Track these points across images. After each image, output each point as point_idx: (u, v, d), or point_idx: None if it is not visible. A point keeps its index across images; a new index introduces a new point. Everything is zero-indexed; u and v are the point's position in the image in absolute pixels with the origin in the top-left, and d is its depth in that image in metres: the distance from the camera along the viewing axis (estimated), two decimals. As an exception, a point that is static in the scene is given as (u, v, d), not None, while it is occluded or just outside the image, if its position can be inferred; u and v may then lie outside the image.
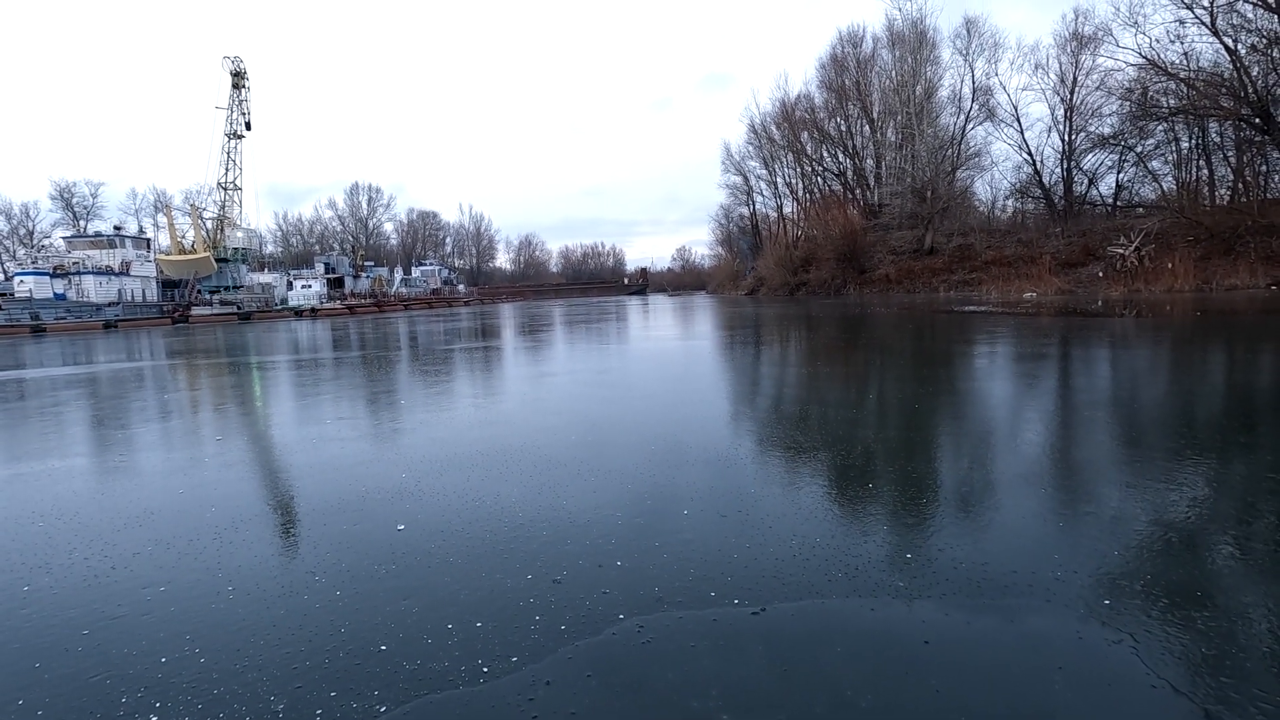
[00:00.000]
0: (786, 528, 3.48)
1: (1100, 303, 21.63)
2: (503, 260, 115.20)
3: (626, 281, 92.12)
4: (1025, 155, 42.74)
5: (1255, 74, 28.73)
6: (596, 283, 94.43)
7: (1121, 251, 27.48)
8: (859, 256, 40.69)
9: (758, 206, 64.91)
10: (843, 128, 52.69)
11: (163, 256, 61.82)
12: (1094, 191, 41.09)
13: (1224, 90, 29.26)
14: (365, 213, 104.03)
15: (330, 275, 72.82)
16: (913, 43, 43.45)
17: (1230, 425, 5.39)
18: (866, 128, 50.60)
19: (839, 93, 51.28)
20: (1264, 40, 28.17)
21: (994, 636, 2.43)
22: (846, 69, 50.53)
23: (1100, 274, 27.58)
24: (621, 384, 9.43)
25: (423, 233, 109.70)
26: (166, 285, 59.98)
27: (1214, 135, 33.83)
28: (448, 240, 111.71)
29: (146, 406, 9.26)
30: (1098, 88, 37.91)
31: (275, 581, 3.10)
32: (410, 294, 76.72)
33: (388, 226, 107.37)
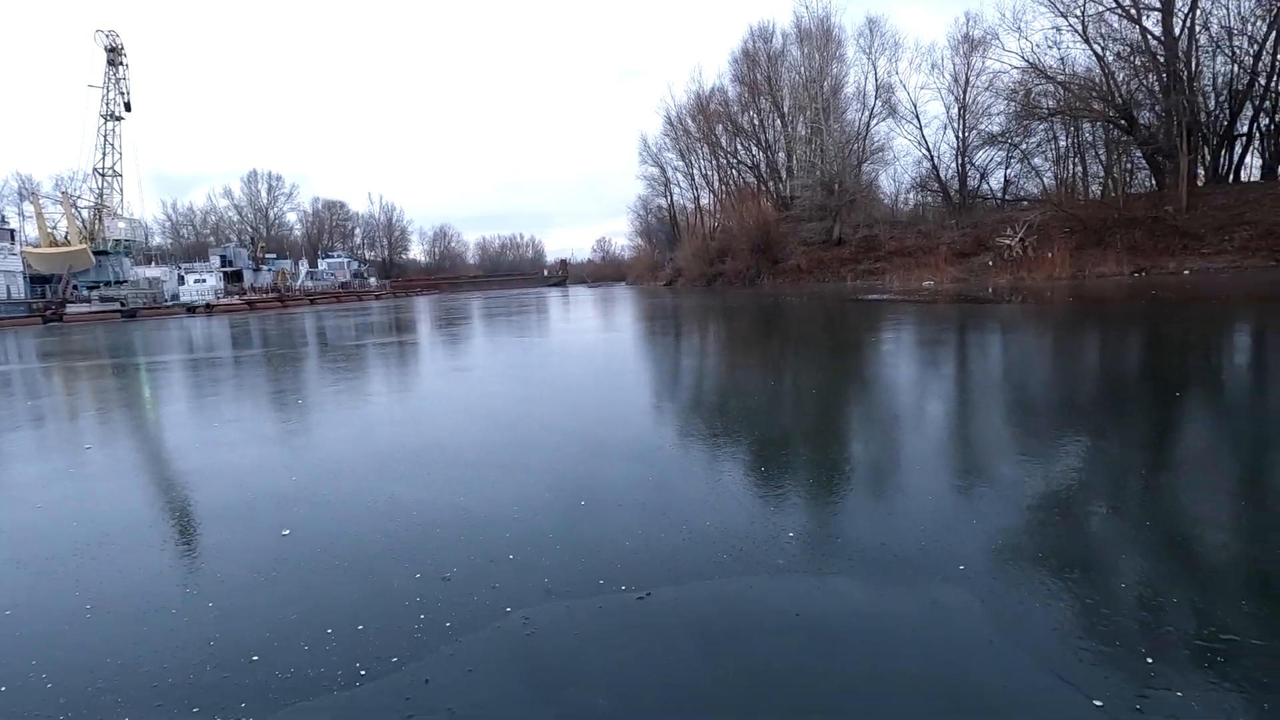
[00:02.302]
0: (681, 515, 3.58)
1: (990, 290, 23.17)
2: (417, 252, 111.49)
3: (546, 273, 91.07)
4: (924, 151, 45.19)
5: (1120, 79, 31.46)
6: (515, 275, 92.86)
7: (1008, 242, 29.54)
8: (772, 247, 41.93)
9: (675, 198, 65.69)
10: (755, 121, 53.94)
11: (30, 249, 56.08)
12: (985, 186, 43.89)
13: (1095, 94, 31.89)
14: (265, 202, 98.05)
15: (227, 269, 68.25)
16: (819, 39, 44.94)
17: (1101, 403, 5.91)
18: (778, 121, 52.00)
19: (751, 87, 52.44)
20: (1128, 49, 30.89)
21: (865, 606, 2.60)
22: (758, 63, 51.72)
23: (990, 263, 29.55)
24: (537, 379, 9.38)
25: (330, 223, 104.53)
26: (36, 281, 54.51)
27: (1087, 135, 36.78)
28: (357, 231, 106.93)
29: (6, 415, 8.43)
30: (987, 88, 40.43)
31: (141, 598, 2.92)
32: (317, 288, 73.04)
33: (291, 217, 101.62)
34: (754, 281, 41.01)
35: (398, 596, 2.80)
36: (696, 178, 61.83)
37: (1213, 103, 31.71)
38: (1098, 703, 1.94)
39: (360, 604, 2.75)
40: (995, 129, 40.84)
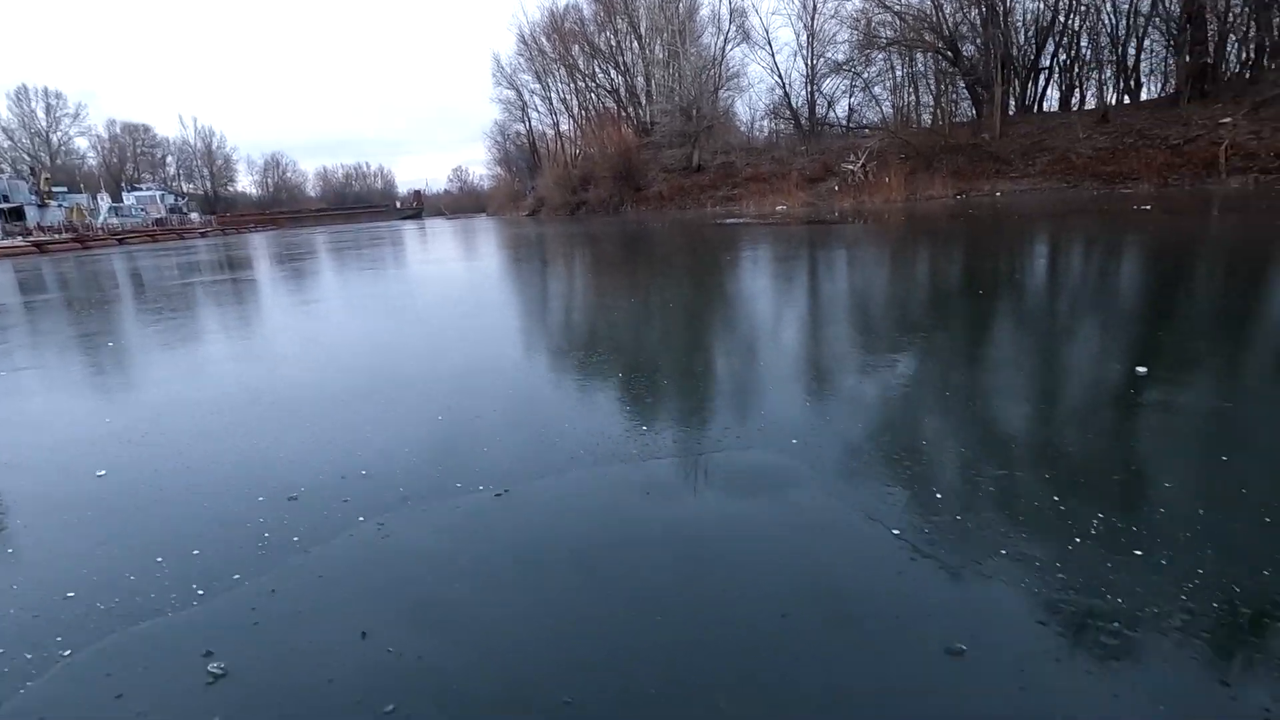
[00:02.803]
0: (540, 422, 3.63)
1: (836, 213, 24.68)
2: (246, 184, 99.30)
3: (399, 205, 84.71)
4: (776, 78, 46.31)
5: (948, 12, 33.67)
6: (364, 207, 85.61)
7: (851, 168, 31.40)
8: (635, 175, 41.79)
9: (534, 124, 63.11)
10: (613, 43, 52.45)
11: None
12: (832, 113, 45.96)
13: (926, 25, 33.96)
14: (44, 125, 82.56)
15: (4, 205, 57.60)
16: (674, -43, 43.96)
17: (932, 312, 6.55)
18: (635, 43, 50.90)
19: (607, 5, 50.64)
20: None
21: (713, 477, 2.81)
22: (613, -20, 49.84)
23: (836, 188, 31.36)
24: (391, 309, 8.90)
25: (133, 151, 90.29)
26: None
27: (920, 66, 39.29)
28: (170, 160, 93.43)
29: None
30: (833, 16, 41.78)
31: (-82, 552, 2.55)
32: (125, 226, 63.63)
33: (81, 143, 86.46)
34: (618, 209, 40.88)
35: (238, 521, 2.65)
36: (555, 102, 59.60)
37: (1023, 38, 34.87)
38: (895, 531, 2.27)
39: (194, 532, 2.58)
40: (840, 57, 42.54)
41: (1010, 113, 33.71)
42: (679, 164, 41.76)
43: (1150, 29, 30.92)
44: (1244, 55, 27.94)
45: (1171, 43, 29.28)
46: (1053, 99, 36.03)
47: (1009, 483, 2.58)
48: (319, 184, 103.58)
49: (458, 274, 13.19)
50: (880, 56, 39.06)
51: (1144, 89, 32.67)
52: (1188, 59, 27.05)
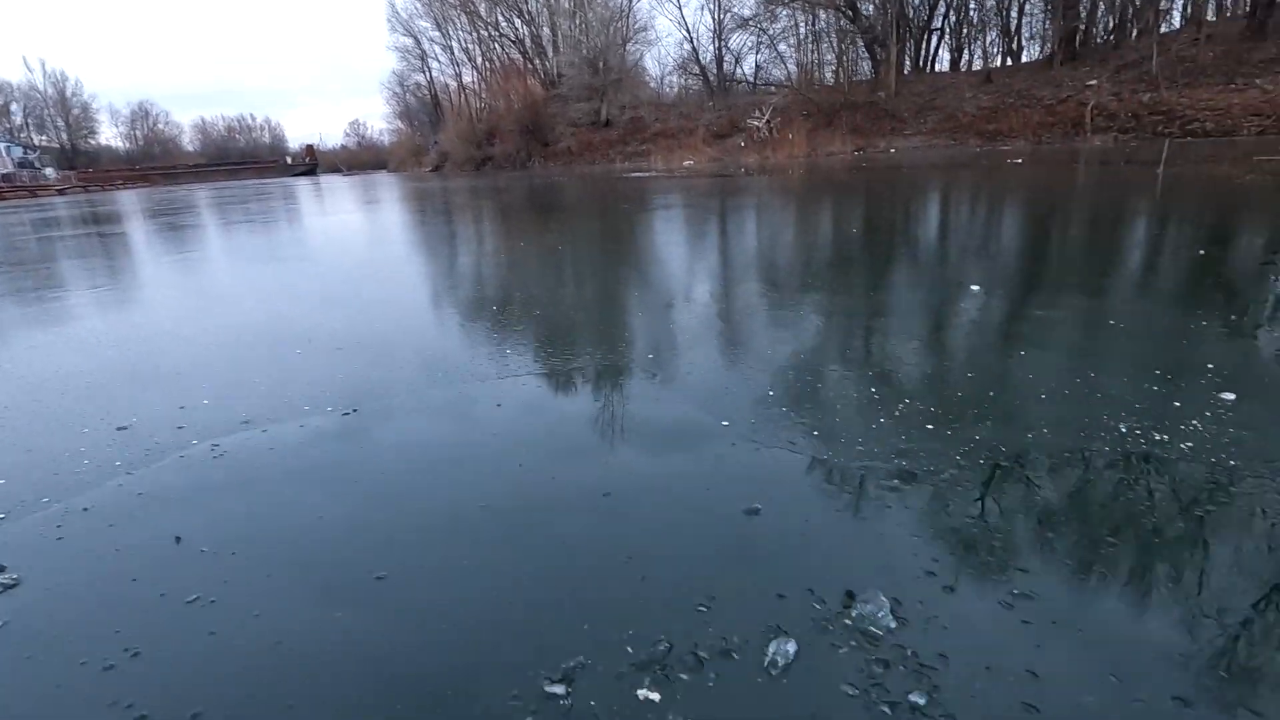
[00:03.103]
0: (404, 351, 3.57)
1: (743, 169, 25.01)
2: (110, 136, 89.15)
3: (290, 161, 78.63)
4: (685, 32, 46.04)
5: (847, -30, 34.23)
6: (251, 163, 78.99)
7: (757, 124, 31.81)
8: (542, 129, 40.69)
9: (435, 75, 59.99)
10: (516, -11, 50.23)
11: None
12: (739, 70, 46.19)
13: (827, -17, 34.46)
14: None
15: None
16: (577, -100, 42.30)
17: (834, 266, 6.76)
18: (540, -9, 49.00)
19: (509, -52, 48.31)
20: (853, -60, 33.45)
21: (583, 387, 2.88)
22: (514, -79, 47.49)
23: (742, 144, 31.73)
24: (268, 257, 8.39)
25: (-31, 97, 79.54)
26: None
27: (822, 24, 39.94)
28: (15, 109, 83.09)
29: None
30: (739, -30, 41.64)
31: None
32: (-35, 182, 56.27)
33: (-100, 87, 75.41)
34: (525, 165, 39.82)
35: (54, 451, 2.50)
36: (457, 51, 56.74)
37: (917, -1, 36.01)
38: (724, 422, 2.41)
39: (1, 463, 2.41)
40: (746, 13, 42.60)
41: (905, 72, 34.96)
42: (587, 118, 40.96)
43: (1030, -6, 32.63)
44: (1110, 22, 30.03)
45: (1049, 6, 31.03)
46: (944, 60, 37.61)
47: (838, 379, 2.78)
48: (198, 138, 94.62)
49: (351, 226, 12.54)
50: (785, 13, 39.41)
51: (1024, 52, 34.61)
52: (1062, 23, 28.78)
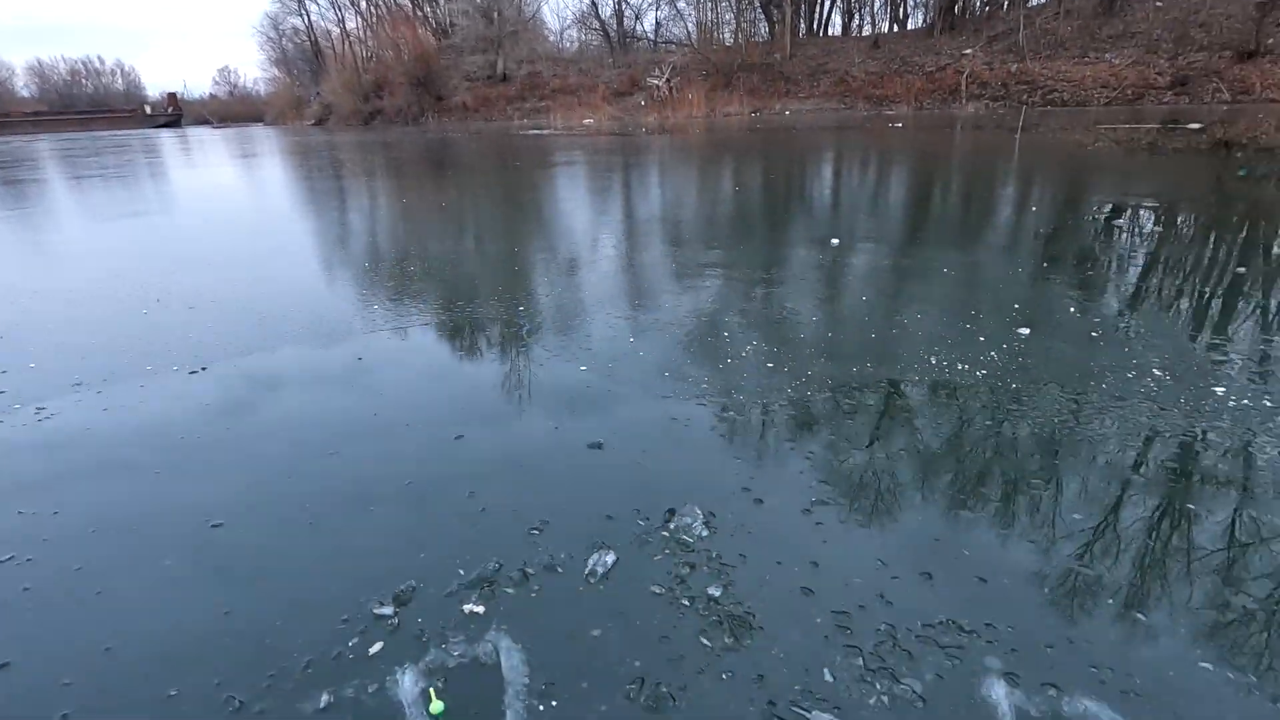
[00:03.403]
0: (266, 309, 3.42)
1: (644, 128, 24.91)
2: (-81, 76, 77.46)
3: (150, 111, 70.73)
4: (583, -16, 44.57)
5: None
6: (103, 112, 70.28)
7: (656, 83, 31.66)
8: (435, 82, 38.72)
9: (315, 20, 55.53)
10: (401, -72, 46.91)
11: None
12: (640, 27, 45.61)
13: (724, -61, 34.35)
14: None
15: None
16: None
17: (735, 224, 6.87)
18: (427, -68, 46.02)
19: (391, -117, 44.89)
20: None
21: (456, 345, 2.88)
22: None
23: (642, 102, 31.54)
24: (117, 213, 7.65)
25: None
26: None
27: (721, -18, 39.88)
28: None
29: None
30: (636, -79, 40.65)
31: None
32: None
33: None
34: (417, 120, 37.90)
35: None
36: (338, -6, 52.64)
37: (810, -39, 36.58)
38: (581, 367, 2.51)
39: None
40: (646, -33, 41.84)
41: (800, 35, 35.67)
42: (483, 72, 39.34)
43: (914, -38, 33.89)
44: (985, -7, 31.74)
45: (930, -24, 32.37)
46: (836, 25, 38.65)
47: (693, 327, 2.94)
48: (34, 82, 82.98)
49: (221, 183, 11.58)
50: (684, -31, 39.05)
51: (910, 19, 36.10)
52: (941, -8, 30.16)
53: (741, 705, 1.13)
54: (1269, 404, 2.06)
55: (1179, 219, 4.93)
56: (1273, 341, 2.57)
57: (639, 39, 46.04)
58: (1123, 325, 2.77)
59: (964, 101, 24.76)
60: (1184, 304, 3.10)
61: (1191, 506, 1.62)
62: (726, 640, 1.26)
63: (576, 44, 51.10)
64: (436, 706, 1.15)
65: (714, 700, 1.15)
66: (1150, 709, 1.10)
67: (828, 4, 37.70)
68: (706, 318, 3.07)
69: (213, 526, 1.65)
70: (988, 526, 1.57)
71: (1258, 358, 2.42)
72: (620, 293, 3.56)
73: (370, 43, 49.06)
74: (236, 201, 8.74)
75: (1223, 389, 2.16)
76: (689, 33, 42.44)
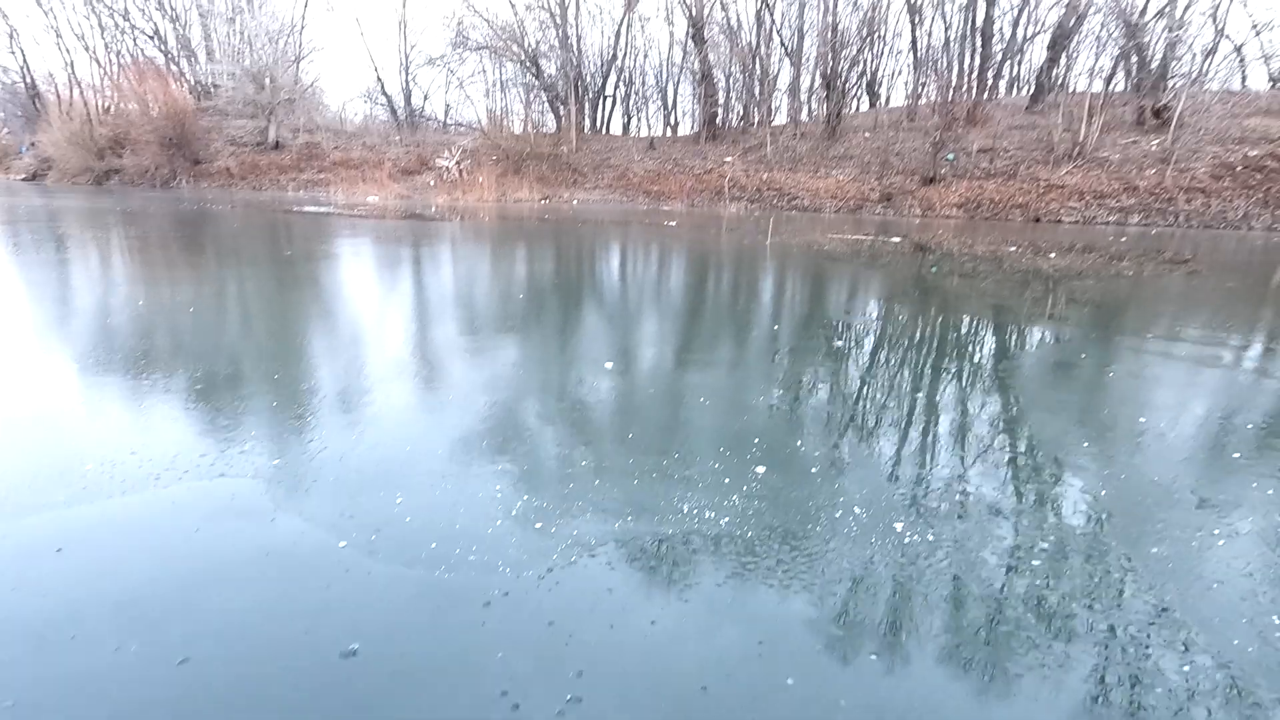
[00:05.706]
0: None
1: (433, 209, 24.62)
2: None
3: None
4: (370, 59, 43.89)
5: (530, 30, 36.45)
6: None
7: (447, 164, 31.73)
8: (192, 143, 34.88)
9: (29, 58, 47.60)
10: (154, -23, 42.67)
11: None
12: (429, 105, 45.69)
13: (512, 38, 36.17)
14: None
15: None
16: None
17: (530, 306, 6.90)
18: (190, -15, 42.36)
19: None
20: (536, 3, 35.82)
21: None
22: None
23: (431, 183, 31.31)
24: None
25: None
26: None
27: (511, 75, 41.67)
28: None
29: None
30: (426, 7, 41.36)
31: None
32: None
33: None
34: (168, 184, 33.77)
35: None
36: (68, 36, 46.00)
37: (593, 66, 39.84)
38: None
39: None
40: (436, 52, 42.48)
41: (585, 130, 38.24)
42: (252, 138, 36.47)
43: (682, 79, 38.50)
44: (740, 111, 36.86)
45: (695, 92, 36.88)
46: (617, 123, 42.14)
47: (436, 449, 2.96)
48: None
49: None
50: (473, 57, 40.25)
51: (680, 126, 40.55)
52: (704, 107, 34.43)
53: None
54: (931, 538, 2.60)
55: (889, 325, 6.05)
56: (942, 470, 3.25)
57: (428, 119, 46.14)
58: (836, 456, 3.32)
59: (727, 202, 28.06)
60: (885, 427, 3.79)
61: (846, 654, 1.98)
62: None
63: (360, 116, 49.77)
64: None
65: None
66: None
67: (609, 105, 41.04)
68: (447, 444, 3.11)
69: None
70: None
71: (934, 486, 3.04)
72: (382, 412, 3.46)
73: (111, 94, 43.16)
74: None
75: (901, 524, 2.68)
76: (479, 118, 43.44)
